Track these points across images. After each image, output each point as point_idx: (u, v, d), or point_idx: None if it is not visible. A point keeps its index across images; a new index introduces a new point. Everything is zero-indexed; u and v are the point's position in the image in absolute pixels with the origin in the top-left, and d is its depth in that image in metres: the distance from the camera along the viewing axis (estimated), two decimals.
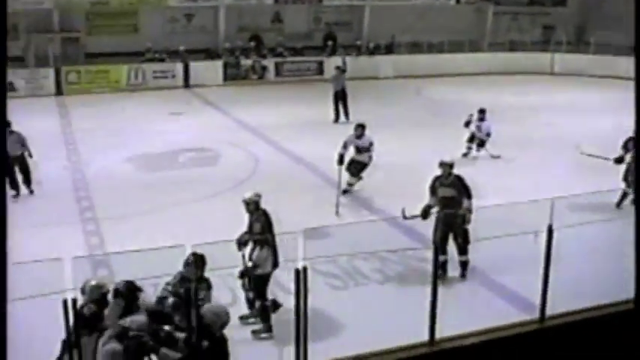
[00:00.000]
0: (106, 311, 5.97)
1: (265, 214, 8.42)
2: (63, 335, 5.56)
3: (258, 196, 8.56)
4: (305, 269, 5.50)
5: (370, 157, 13.48)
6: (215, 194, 13.49)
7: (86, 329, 5.75)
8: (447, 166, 9.48)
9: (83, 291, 6.19)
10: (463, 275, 9.50)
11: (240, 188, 13.73)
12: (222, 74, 27.21)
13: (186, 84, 26.57)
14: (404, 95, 25.50)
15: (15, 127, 13.34)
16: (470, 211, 9.15)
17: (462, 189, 9.29)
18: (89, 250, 10.65)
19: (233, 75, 27.37)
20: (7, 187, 12.76)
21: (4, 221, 3.51)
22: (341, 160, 12.87)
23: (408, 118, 20.95)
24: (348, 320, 8.25)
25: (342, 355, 7.02)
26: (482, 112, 16.22)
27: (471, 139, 16.27)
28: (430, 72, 28.74)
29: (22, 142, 13.34)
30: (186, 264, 6.85)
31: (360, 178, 13.63)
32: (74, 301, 4.99)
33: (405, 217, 9.56)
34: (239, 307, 8.32)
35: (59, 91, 24.97)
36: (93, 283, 6.34)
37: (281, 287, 9.09)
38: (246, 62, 27.57)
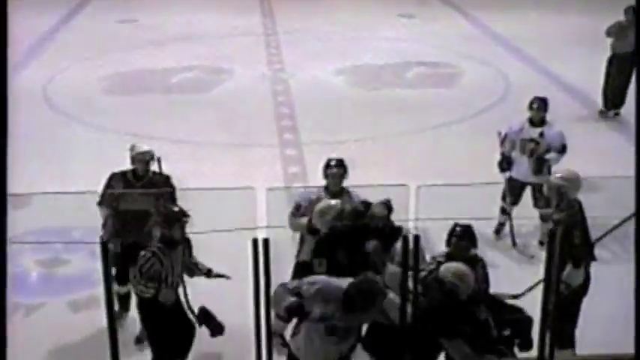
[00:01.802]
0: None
1: None
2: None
3: None
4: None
5: None
6: (449, 123, 13.46)
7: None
8: None
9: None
10: None
11: (481, 118, 13.65)
12: None
13: None
14: None
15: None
16: None
17: None
18: (287, 181, 11.07)
19: None
20: None
21: (4, 221, 3.92)
22: None
23: None
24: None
25: None
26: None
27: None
28: None
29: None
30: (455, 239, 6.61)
31: None
32: (266, 242, 5.19)
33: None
34: None
35: None
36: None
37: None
38: None
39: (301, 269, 6.91)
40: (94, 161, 11.46)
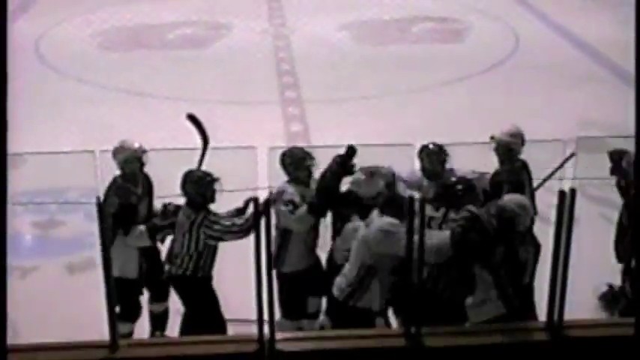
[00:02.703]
0: None
1: None
2: None
3: None
4: (573, 192, 5.28)
5: None
6: (458, 80, 13.43)
7: None
8: None
9: None
10: None
11: (491, 74, 13.64)
12: None
13: None
14: None
15: None
16: None
17: None
18: (289, 140, 11.06)
19: None
20: None
21: (3, 215, 3.93)
22: None
23: None
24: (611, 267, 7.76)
25: None
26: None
27: None
28: None
29: None
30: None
31: None
32: (267, 202, 5.21)
33: None
34: None
35: None
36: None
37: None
38: None
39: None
40: (88, 119, 11.47)
